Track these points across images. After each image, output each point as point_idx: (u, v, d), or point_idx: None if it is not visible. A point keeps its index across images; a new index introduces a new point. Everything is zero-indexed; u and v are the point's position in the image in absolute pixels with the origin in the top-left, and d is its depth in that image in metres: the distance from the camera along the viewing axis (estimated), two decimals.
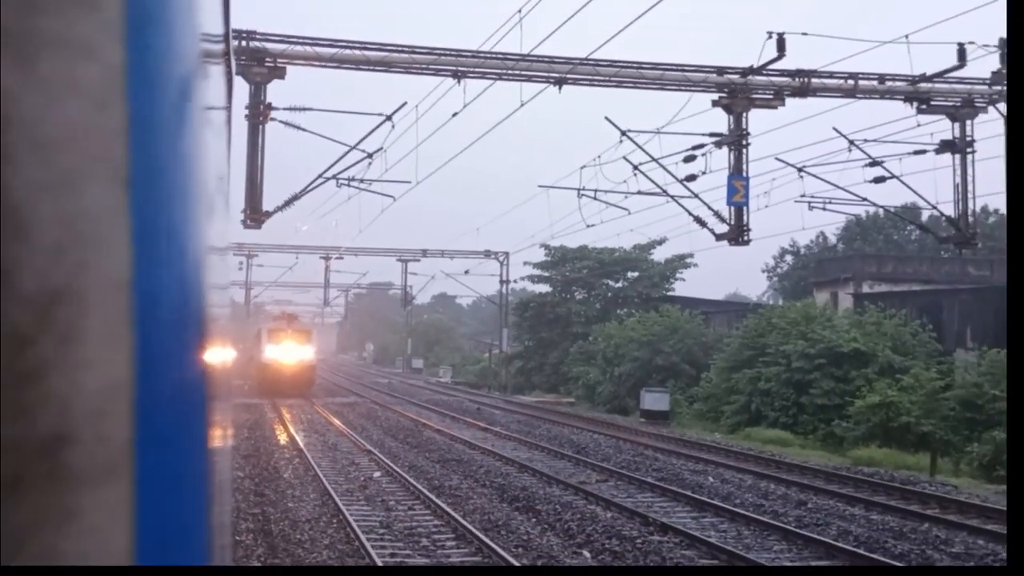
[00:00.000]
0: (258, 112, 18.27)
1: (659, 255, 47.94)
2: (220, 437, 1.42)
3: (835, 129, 20.62)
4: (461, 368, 62.77)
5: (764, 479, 17.95)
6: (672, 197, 21.99)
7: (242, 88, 17.84)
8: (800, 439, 25.71)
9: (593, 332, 42.40)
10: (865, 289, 38.04)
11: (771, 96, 20.18)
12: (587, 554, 11.73)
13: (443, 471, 18.39)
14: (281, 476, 17.31)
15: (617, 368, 37.16)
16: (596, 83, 20.13)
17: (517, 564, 10.83)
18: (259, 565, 10.79)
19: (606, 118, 21.15)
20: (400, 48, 19.24)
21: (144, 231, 0.64)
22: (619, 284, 49.01)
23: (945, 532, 13.20)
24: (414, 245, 63.61)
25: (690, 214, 21.38)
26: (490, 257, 50.58)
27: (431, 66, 19.20)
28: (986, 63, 20.80)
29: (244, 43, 17.88)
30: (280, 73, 18.25)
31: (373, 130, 20.17)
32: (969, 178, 20.99)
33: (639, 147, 21.41)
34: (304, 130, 19.69)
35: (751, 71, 19.70)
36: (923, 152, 21.29)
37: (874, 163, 21.26)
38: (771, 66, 19.12)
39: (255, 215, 18.74)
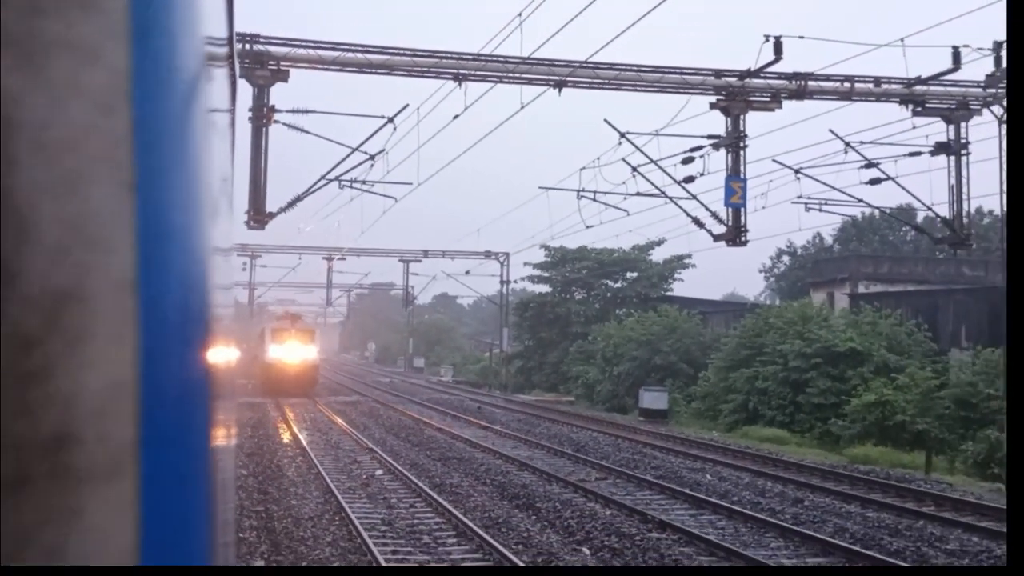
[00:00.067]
0: (261, 115, 18.43)
1: (657, 256, 48.26)
2: (224, 436, 1.42)
3: (831, 131, 20.83)
4: (462, 367, 62.99)
5: (761, 477, 18.08)
6: (670, 198, 22.20)
7: (246, 91, 18.03)
8: (797, 437, 25.89)
9: (592, 332, 42.59)
10: (861, 289, 38.23)
11: (768, 99, 20.34)
12: (586, 551, 11.79)
13: (444, 469, 18.54)
14: (284, 474, 17.45)
15: (616, 367, 37.35)
16: (595, 86, 20.29)
17: (517, 561, 10.86)
18: (262, 564, 10.81)
19: (605, 120, 21.38)
20: (402, 51, 19.39)
21: (148, 233, 0.65)
22: (618, 284, 49.23)
23: (940, 529, 13.30)
24: (415, 246, 63.81)
25: (688, 215, 21.60)
26: (491, 258, 50.78)
27: (432, 69, 19.36)
28: (980, 66, 20.96)
29: (248, 46, 18.04)
30: (283, 76, 18.38)
31: (375, 132, 20.38)
32: (964, 180, 21.15)
33: (638, 149, 21.62)
34: (307, 132, 19.90)
35: (748, 74, 19.86)
36: (918, 154, 21.46)
37: (870, 165, 21.45)
38: (768, 69, 19.27)
39: (258, 216, 18.90)
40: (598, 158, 23.63)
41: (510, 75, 19.37)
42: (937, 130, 21.35)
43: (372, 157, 20.84)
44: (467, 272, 51.38)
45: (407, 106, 20.18)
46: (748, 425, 27.83)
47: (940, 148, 21.25)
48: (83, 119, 0.61)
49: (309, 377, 40.05)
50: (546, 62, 19.54)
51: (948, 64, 19.50)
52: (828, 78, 20.52)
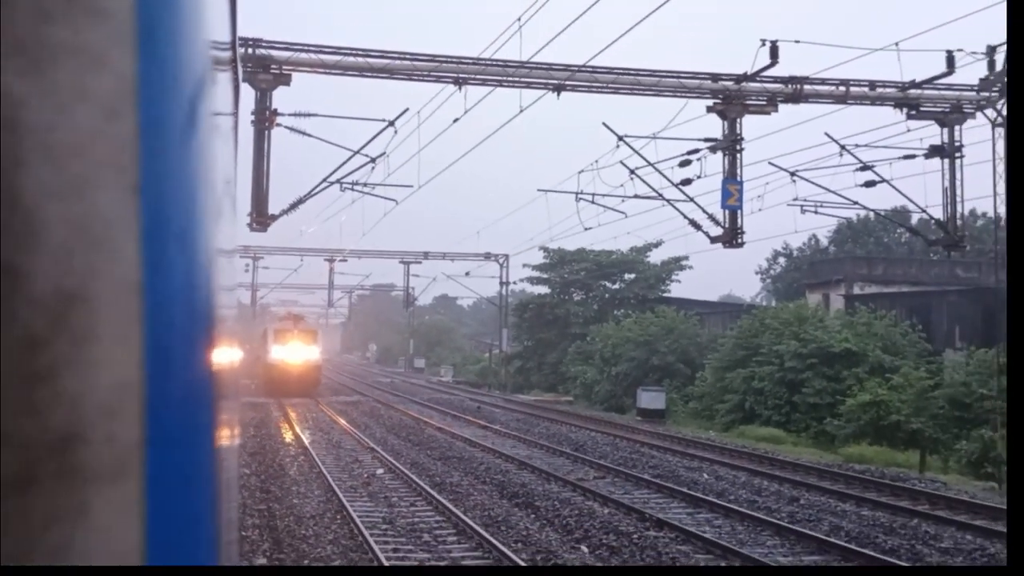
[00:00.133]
0: (264, 118, 18.57)
1: (655, 257, 48.52)
2: (228, 436, 1.43)
3: (827, 134, 21.02)
4: (462, 368, 63.14)
5: (757, 476, 18.21)
6: (668, 201, 22.39)
7: (249, 94, 18.12)
8: (793, 437, 26.08)
9: (591, 332, 42.76)
10: (856, 290, 38.44)
11: (764, 102, 20.51)
12: (585, 549, 11.88)
13: (444, 468, 18.68)
14: (287, 473, 17.58)
15: (614, 368, 37.54)
16: (594, 89, 20.45)
17: (516, 559, 10.94)
18: (265, 562, 10.88)
19: (603, 123, 21.56)
20: (402, 55, 19.54)
21: (153, 235, 0.65)
22: (616, 286, 49.43)
23: (934, 528, 13.42)
24: (416, 248, 64.23)
25: (685, 217, 21.77)
26: (490, 259, 50.97)
27: (433, 73, 19.50)
28: (974, 70, 21.15)
29: (250, 50, 18.17)
30: (286, 80, 18.53)
31: (376, 135, 20.55)
32: (958, 182, 21.32)
33: (636, 152, 21.80)
34: (309, 135, 20.04)
35: (745, 78, 20.02)
36: (913, 157, 21.64)
37: (865, 167, 21.66)
38: (764, 73, 19.42)
39: (261, 218, 19.06)
40: (596, 161, 23.88)
41: (509, 79, 19.53)
42: (931, 133, 21.57)
43: (373, 160, 21.03)
44: (467, 274, 51.64)
45: (408, 110, 20.38)
46: (744, 425, 28.01)
47: (934, 151, 21.44)
48: (89, 123, 0.61)
49: (311, 377, 40.07)
50: (545, 66, 19.70)
51: (942, 68, 19.72)
52: (824, 82, 20.69)
